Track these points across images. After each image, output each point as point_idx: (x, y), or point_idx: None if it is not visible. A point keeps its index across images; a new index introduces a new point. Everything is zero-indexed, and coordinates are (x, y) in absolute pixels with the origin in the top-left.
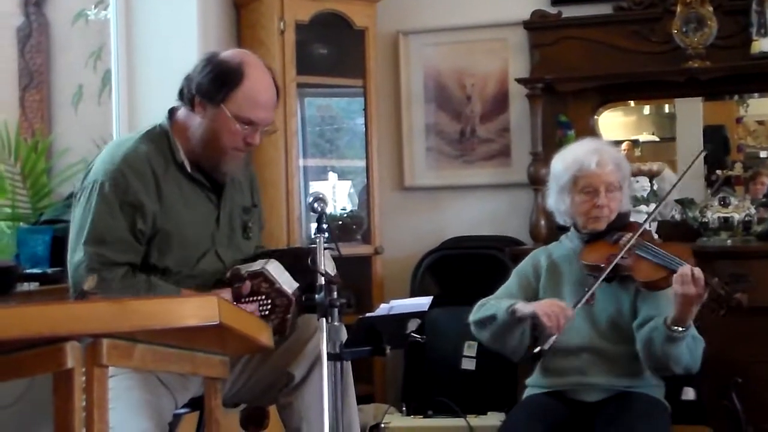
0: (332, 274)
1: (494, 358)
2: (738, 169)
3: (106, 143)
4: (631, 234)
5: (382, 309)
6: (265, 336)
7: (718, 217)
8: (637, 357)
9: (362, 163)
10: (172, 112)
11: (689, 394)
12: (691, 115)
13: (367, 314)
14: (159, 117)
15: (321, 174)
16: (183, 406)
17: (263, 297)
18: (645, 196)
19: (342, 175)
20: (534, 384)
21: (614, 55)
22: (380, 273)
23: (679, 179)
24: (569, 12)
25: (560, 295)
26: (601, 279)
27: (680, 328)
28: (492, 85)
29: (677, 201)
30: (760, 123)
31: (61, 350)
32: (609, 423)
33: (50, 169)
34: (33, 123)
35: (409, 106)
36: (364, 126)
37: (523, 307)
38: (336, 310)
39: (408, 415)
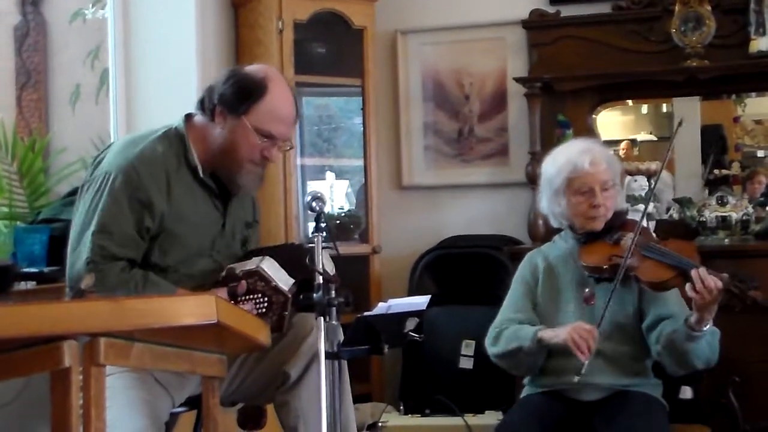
0: (331, 274)
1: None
2: (735, 169)
3: (103, 142)
4: (631, 233)
5: (380, 308)
6: (262, 335)
7: (716, 217)
8: (639, 357)
9: (360, 163)
10: (188, 117)
11: (687, 392)
12: (688, 114)
13: (365, 313)
14: (157, 115)
15: (319, 173)
16: (180, 405)
17: (259, 295)
18: (643, 195)
19: (340, 174)
20: (532, 383)
21: (612, 54)
22: (378, 272)
23: (668, 150)
24: (568, 11)
25: (559, 297)
26: (615, 284)
27: (703, 328)
28: (490, 85)
29: (675, 200)
30: (758, 122)
31: (58, 349)
32: (607, 422)
33: (47, 168)
34: (30, 122)
35: (407, 106)
36: (362, 125)
37: (551, 335)
38: (334, 309)
39: (406, 414)
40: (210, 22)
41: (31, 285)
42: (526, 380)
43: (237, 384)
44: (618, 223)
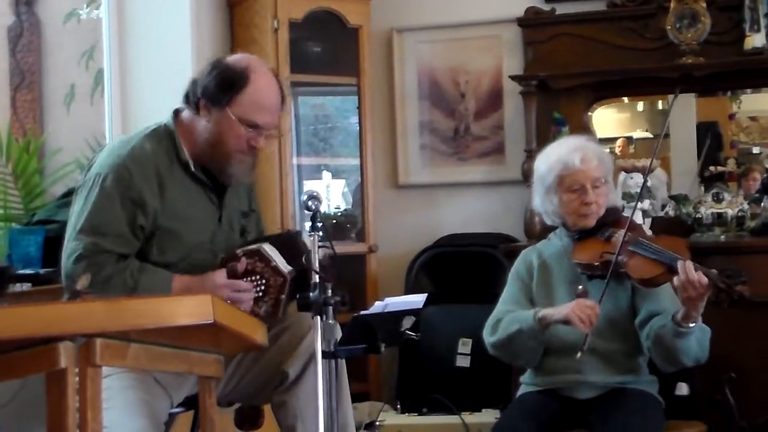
0: (324, 263)
1: (489, 356)
2: (731, 165)
3: (99, 143)
4: (622, 230)
5: (377, 307)
6: (259, 334)
7: (712, 213)
8: (633, 354)
9: (356, 162)
10: (176, 113)
11: (683, 389)
12: (684, 111)
13: (362, 312)
14: (153, 116)
15: (315, 173)
16: (178, 405)
17: (258, 276)
18: (638, 192)
19: (336, 173)
20: (528, 381)
21: (608, 51)
22: (375, 271)
23: (664, 128)
24: (563, 9)
25: (553, 294)
26: (608, 279)
27: (690, 324)
28: (486, 83)
29: (671, 197)
30: (753, 119)
31: (54, 350)
32: (603, 419)
33: (42, 169)
34: (25, 123)
35: (403, 104)
36: (357, 124)
37: (552, 313)
38: (330, 308)
39: (403, 412)
40: (205, 22)
41: (26, 287)
42: (522, 378)
43: (234, 384)
44: (610, 219)
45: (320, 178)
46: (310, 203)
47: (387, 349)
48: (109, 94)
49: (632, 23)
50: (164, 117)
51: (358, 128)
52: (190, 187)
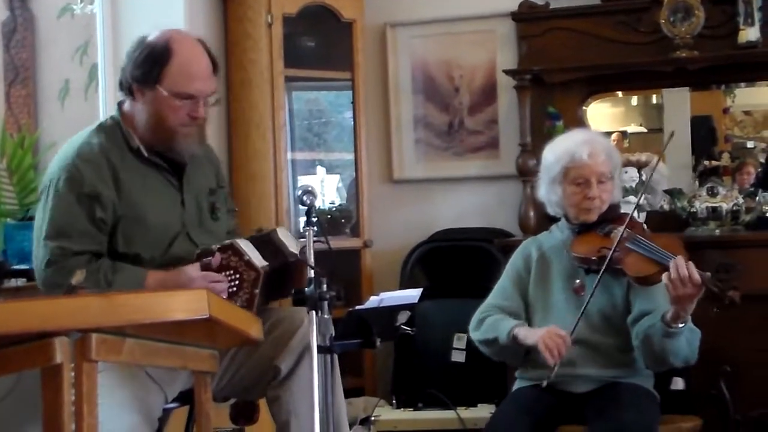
0: (295, 252)
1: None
2: (725, 160)
3: None
4: (623, 227)
5: (372, 301)
6: (254, 329)
7: (707, 207)
8: (628, 348)
9: (350, 157)
10: (120, 104)
11: (678, 383)
12: (678, 105)
13: (357, 307)
14: None
15: (309, 168)
16: (173, 400)
17: (232, 271)
18: (633, 186)
19: (330, 168)
20: (524, 376)
21: (602, 45)
22: (369, 266)
23: (657, 160)
24: (557, 3)
25: (550, 286)
26: (599, 277)
27: (679, 325)
28: (480, 77)
29: (666, 191)
30: (747, 113)
31: (49, 345)
32: (598, 413)
33: (37, 164)
34: (19, 118)
35: (397, 99)
36: (352, 119)
37: (525, 335)
38: (325, 302)
39: (398, 407)
40: (198, 16)
41: (21, 282)
42: (518, 373)
43: (228, 379)
44: (612, 215)
45: (315, 173)
46: (304, 198)
47: (382, 344)
48: (104, 90)
49: (626, 17)
50: None
51: (352, 123)
52: (145, 173)
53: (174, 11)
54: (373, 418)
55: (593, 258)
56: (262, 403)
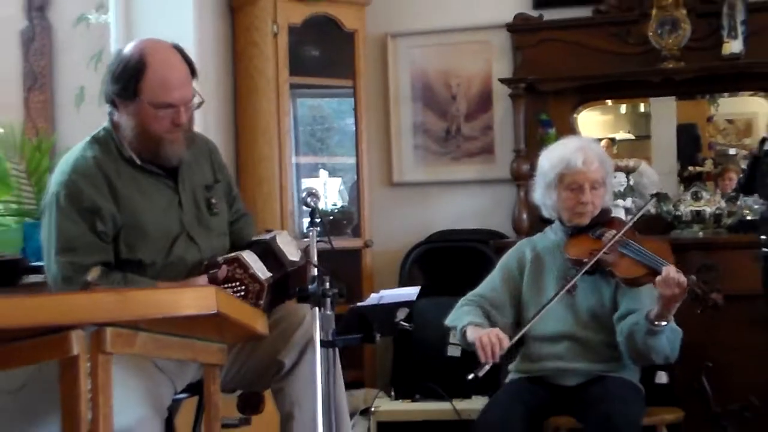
0: (296, 260)
1: None
2: (709, 166)
3: None
4: (614, 231)
5: (373, 299)
6: (260, 324)
7: (691, 211)
8: (614, 344)
9: (352, 161)
10: (111, 114)
11: (662, 377)
12: (665, 114)
13: (358, 304)
14: None
15: (312, 171)
16: (182, 391)
17: (237, 283)
18: (622, 190)
19: (333, 172)
20: (516, 369)
21: (593, 56)
22: (370, 265)
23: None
24: (550, 15)
25: (542, 285)
26: (580, 274)
27: (662, 323)
28: (476, 85)
29: (653, 195)
30: (730, 122)
31: (66, 338)
32: (587, 406)
33: (53, 167)
34: (37, 123)
35: (397, 106)
36: (353, 125)
37: (471, 333)
38: (328, 299)
39: (396, 399)
40: (208, 26)
41: (39, 278)
42: (510, 366)
43: (234, 372)
44: (603, 219)
45: (318, 177)
46: (308, 200)
47: (382, 339)
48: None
49: (616, 29)
50: None
51: (354, 129)
52: (140, 180)
53: (183, 21)
54: (372, 409)
55: (585, 260)
56: (267, 395)
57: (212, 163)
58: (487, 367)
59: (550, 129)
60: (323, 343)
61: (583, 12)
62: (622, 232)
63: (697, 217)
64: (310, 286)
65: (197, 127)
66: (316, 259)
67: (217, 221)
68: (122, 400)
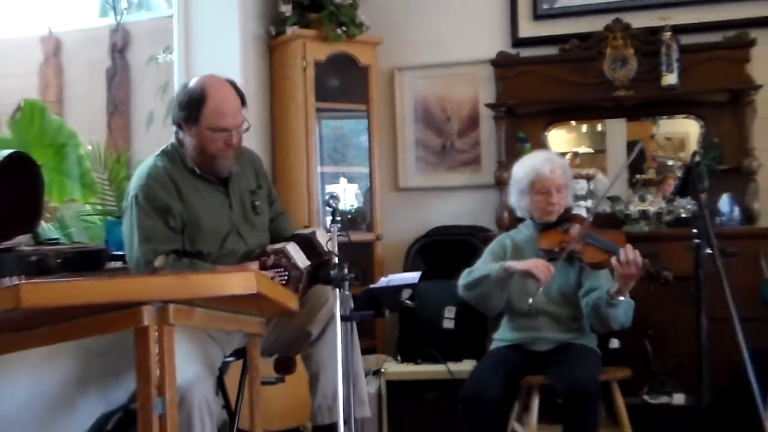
0: (329, 250)
1: (468, 320)
2: (652, 174)
3: None
4: (577, 225)
5: (382, 281)
6: (292, 303)
7: (638, 210)
8: (578, 317)
9: (366, 170)
10: (177, 133)
11: (615, 343)
12: (617, 132)
13: (371, 286)
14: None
15: (334, 178)
16: (230, 355)
17: (282, 269)
18: (583, 194)
19: (351, 179)
20: (499, 338)
21: (560, 86)
22: (380, 255)
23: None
24: (526, 53)
25: None
26: (561, 260)
27: (620, 298)
28: (466, 109)
29: (608, 198)
30: (668, 139)
31: (139, 312)
32: (556, 367)
33: (129, 176)
34: (117, 141)
35: (402, 126)
36: (367, 141)
37: (516, 265)
38: (347, 282)
39: (402, 362)
40: (250, 63)
41: (118, 264)
42: (494, 336)
43: (271, 340)
44: (567, 216)
45: (338, 183)
46: (330, 202)
47: (390, 314)
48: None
49: (579, 64)
50: None
51: (367, 144)
52: (199, 186)
53: (231, 60)
54: (382, 370)
55: (556, 250)
56: (298, 359)
57: (256, 172)
58: (541, 291)
59: (526, 144)
60: (343, 318)
61: (552, 51)
62: (585, 225)
63: (643, 215)
64: (332, 272)
65: (245, 143)
66: (336, 249)
67: (260, 220)
68: (182, 361)
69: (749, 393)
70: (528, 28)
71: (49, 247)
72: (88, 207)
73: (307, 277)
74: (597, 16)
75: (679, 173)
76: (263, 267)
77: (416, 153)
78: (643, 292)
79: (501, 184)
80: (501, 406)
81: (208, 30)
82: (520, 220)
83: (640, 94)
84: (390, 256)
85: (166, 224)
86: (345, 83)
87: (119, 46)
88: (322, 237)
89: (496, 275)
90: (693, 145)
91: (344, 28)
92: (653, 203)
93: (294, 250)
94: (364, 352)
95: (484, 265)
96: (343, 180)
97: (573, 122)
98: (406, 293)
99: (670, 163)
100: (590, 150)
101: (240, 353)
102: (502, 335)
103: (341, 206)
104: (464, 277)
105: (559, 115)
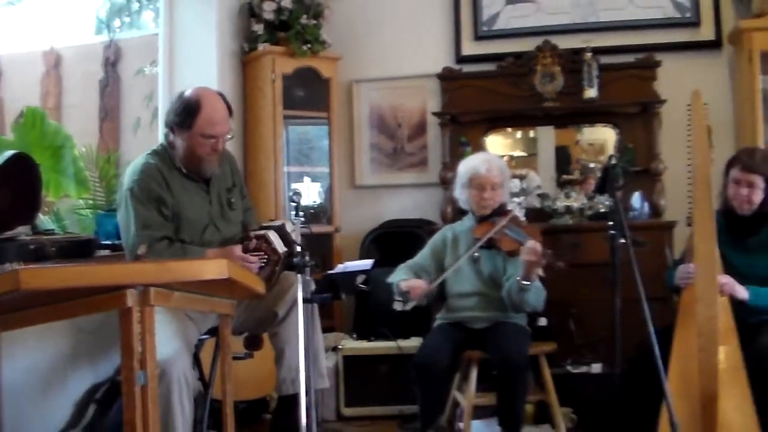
0: (298, 241)
1: None
2: (576, 175)
3: None
4: (504, 218)
5: (339, 268)
6: (260, 287)
7: (564, 205)
8: None
9: (327, 170)
10: (167, 136)
11: (542, 321)
12: (547, 138)
13: (329, 272)
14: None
15: (299, 177)
16: (205, 333)
17: (263, 253)
18: (517, 191)
19: (313, 178)
20: (441, 317)
21: (497, 97)
22: (338, 245)
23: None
24: (468, 68)
25: (458, 256)
26: (476, 247)
27: (526, 282)
28: (415, 117)
29: (538, 195)
30: (590, 145)
31: (124, 295)
32: (491, 341)
33: (118, 174)
34: (107, 144)
35: (359, 131)
36: (328, 145)
37: (403, 283)
38: (308, 269)
39: (357, 340)
40: (226, 76)
41: (106, 252)
42: (437, 315)
43: (242, 320)
44: (500, 211)
45: (303, 182)
46: (294, 198)
47: (346, 297)
48: (162, 124)
49: (514, 79)
50: None
51: (328, 147)
52: (185, 184)
53: (210, 73)
54: (340, 347)
55: (483, 238)
56: (266, 337)
57: (231, 170)
58: (410, 304)
59: (467, 148)
60: (305, 300)
61: (491, 67)
62: (508, 219)
63: (568, 209)
64: (295, 259)
65: None
66: (300, 240)
67: (234, 215)
68: (163, 338)
69: (654, 362)
70: (470, 47)
71: (45, 237)
72: (81, 202)
73: (283, 262)
74: (529, 37)
75: (598, 174)
76: (245, 250)
77: (371, 155)
78: (567, 275)
79: (445, 182)
80: (449, 373)
81: (189, 46)
82: (463, 213)
83: (566, 106)
84: (347, 246)
85: (160, 213)
86: (309, 94)
87: (111, 60)
88: (290, 229)
89: (395, 288)
90: (611, 149)
91: (309, 45)
92: (577, 200)
93: (274, 237)
94: (324, 330)
95: (421, 258)
96: (306, 179)
97: (509, 129)
98: (360, 278)
99: (591, 165)
100: (524, 153)
101: (214, 332)
102: (444, 314)
103: (304, 202)
104: (394, 273)
105: (497, 123)
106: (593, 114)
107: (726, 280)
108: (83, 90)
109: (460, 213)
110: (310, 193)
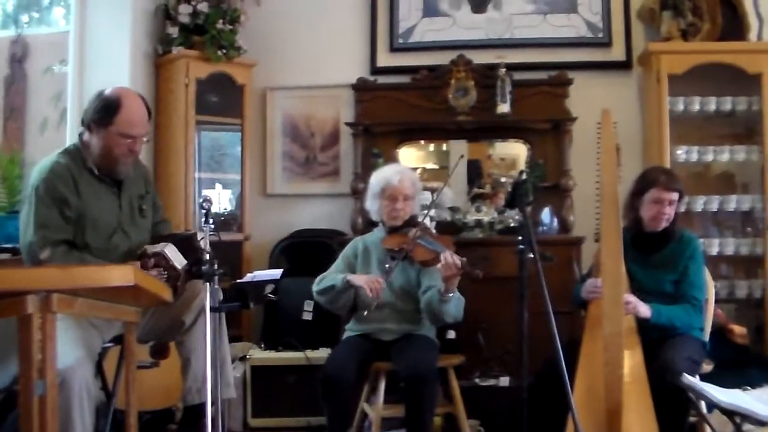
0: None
1: (325, 313)
2: (487, 188)
3: None
4: (416, 229)
5: (248, 277)
6: (166, 294)
7: (475, 219)
8: (418, 311)
9: (238, 177)
10: (81, 135)
11: (451, 334)
12: (459, 151)
13: (238, 280)
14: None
15: (210, 184)
16: (109, 341)
17: (162, 269)
18: (428, 204)
19: (225, 185)
20: (350, 329)
21: (410, 109)
22: (248, 253)
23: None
24: (382, 80)
25: (370, 267)
26: (399, 260)
27: (449, 294)
28: (329, 127)
29: (449, 208)
30: (502, 159)
31: (23, 301)
32: (399, 354)
33: (22, 175)
34: (12, 143)
35: (272, 139)
36: (240, 152)
37: (355, 279)
38: (216, 277)
39: (265, 350)
40: (139, 78)
41: (7, 256)
42: (346, 327)
43: (148, 328)
44: (412, 222)
45: (214, 188)
46: (204, 205)
47: (255, 306)
48: (70, 125)
49: (427, 92)
50: None
51: (240, 154)
52: (96, 186)
53: (121, 74)
54: (248, 357)
55: (396, 249)
56: (172, 345)
57: (145, 180)
58: (373, 305)
59: (380, 159)
60: (212, 309)
61: (405, 79)
62: (419, 229)
63: (478, 223)
64: (204, 268)
65: None
66: (209, 247)
67: (144, 222)
68: (64, 346)
69: (560, 375)
70: (385, 59)
71: None
72: None
73: (186, 275)
74: (444, 51)
75: (509, 188)
76: (144, 268)
77: (283, 163)
78: (477, 289)
79: (356, 193)
80: (355, 388)
81: (101, 45)
82: (374, 224)
83: (478, 120)
84: (257, 254)
85: (62, 214)
86: (223, 99)
87: (18, 57)
88: (200, 239)
89: (340, 286)
90: (522, 164)
91: (224, 51)
92: (487, 214)
93: (172, 252)
94: (232, 339)
95: (336, 270)
96: (218, 185)
97: (422, 141)
98: (269, 288)
99: (503, 179)
100: (436, 166)
101: (118, 339)
102: (353, 326)
103: (214, 209)
104: (316, 284)
105: (410, 135)
106: (505, 129)
107: (631, 299)
108: None
109: (370, 224)
110: (221, 201)
